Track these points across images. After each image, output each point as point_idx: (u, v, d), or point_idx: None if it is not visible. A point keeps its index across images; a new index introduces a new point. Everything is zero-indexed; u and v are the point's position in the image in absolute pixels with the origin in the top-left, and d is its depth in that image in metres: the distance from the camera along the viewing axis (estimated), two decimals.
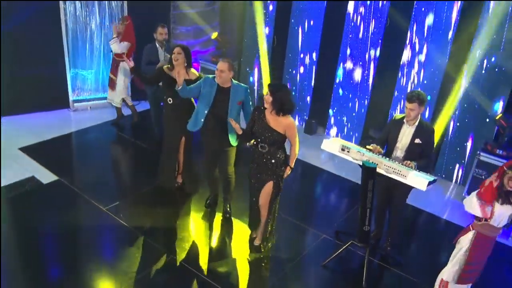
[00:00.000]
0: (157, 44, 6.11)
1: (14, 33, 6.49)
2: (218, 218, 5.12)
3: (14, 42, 6.54)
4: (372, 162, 3.99)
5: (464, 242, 3.77)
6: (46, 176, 5.55)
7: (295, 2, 7.15)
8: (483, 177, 5.70)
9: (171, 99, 4.99)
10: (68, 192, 5.32)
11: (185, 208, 5.30)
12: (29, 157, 5.95)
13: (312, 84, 7.35)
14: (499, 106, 5.80)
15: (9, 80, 6.65)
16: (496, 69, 5.69)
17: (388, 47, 6.49)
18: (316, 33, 7.05)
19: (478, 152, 5.74)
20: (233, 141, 4.64)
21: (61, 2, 6.78)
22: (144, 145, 6.63)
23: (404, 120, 4.33)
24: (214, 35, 7.85)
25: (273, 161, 4.11)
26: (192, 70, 5.00)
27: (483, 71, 5.79)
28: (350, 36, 6.71)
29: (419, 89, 4.94)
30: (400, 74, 6.45)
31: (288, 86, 4.13)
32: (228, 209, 5.11)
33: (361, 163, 4.04)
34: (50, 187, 5.38)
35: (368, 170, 3.97)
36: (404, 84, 6.46)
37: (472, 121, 6.03)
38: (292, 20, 7.27)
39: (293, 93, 7.47)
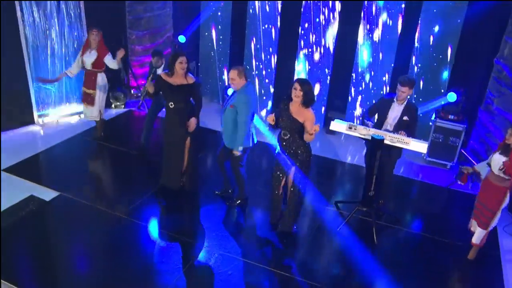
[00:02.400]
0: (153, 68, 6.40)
1: None
2: (232, 207, 5.47)
3: None
4: (379, 135, 4.64)
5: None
6: (44, 193, 5.46)
7: (251, 2, 7.62)
8: (440, 140, 6.68)
9: (172, 104, 5.20)
10: (77, 205, 5.31)
11: (197, 202, 5.59)
12: (18, 177, 5.77)
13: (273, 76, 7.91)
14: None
15: None
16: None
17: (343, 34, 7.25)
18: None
19: (434, 118, 6.69)
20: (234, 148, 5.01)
21: (19, 14, 6.53)
22: (125, 149, 6.71)
23: (395, 100, 5.05)
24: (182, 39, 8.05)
25: (294, 148, 4.57)
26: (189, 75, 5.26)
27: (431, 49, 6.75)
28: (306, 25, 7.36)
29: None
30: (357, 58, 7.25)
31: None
32: (237, 200, 5.51)
33: (369, 138, 4.67)
34: (56, 203, 5.33)
35: (377, 142, 4.62)
36: (360, 70, 7.28)
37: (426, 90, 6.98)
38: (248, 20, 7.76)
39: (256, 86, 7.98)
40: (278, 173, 4.73)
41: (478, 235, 4.64)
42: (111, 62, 6.35)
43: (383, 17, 6.90)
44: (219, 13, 8.02)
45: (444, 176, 6.55)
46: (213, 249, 4.72)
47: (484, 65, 6.61)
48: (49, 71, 7.18)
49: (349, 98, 7.52)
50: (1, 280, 4.07)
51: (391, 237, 5.20)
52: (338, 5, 7.07)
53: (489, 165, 4.48)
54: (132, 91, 8.37)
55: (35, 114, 7.20)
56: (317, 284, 4.34)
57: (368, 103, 7.30)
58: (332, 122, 4.90)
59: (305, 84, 4.35)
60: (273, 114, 4.50)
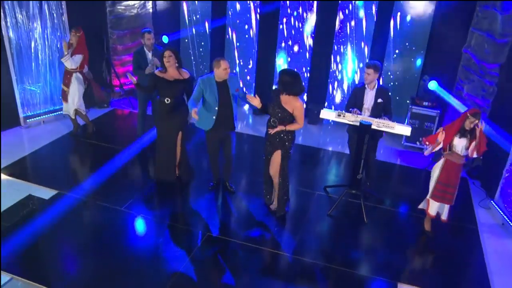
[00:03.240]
0: (145, 49, 6.36)
1: None
2: (224, 195, 5.72)
3: None
4: (367, 121, 4.99)
5: (437, 167, 4.96)
6: (41, 192, 5.54)
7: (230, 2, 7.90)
8: (416, 125, 7.13)
9: (168, 99, 5.40)
10: (76, 202, 5.42)
11: (193, 193, 5.80)
12: (12, 178, 5.82)
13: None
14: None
15: None
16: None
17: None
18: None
19: (410, 106, 7.14)
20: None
21: (2, 16, 6.53)
22: (113, 146, 6.86)
23: (366, 86, 5.43)
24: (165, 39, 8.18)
25: (282, 135, 4.87)
26: (183, 70, 5.47)
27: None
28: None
29: None
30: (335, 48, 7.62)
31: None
32: (231, 186, 5.74)
33: (357, 124, 5.01)
34: (55, 201, 5.42)
35: (365, 127, 4.97)
36: (339, 60, 7.65)
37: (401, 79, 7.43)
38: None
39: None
40: (268, 156, 5.02)
41: (446, 211, 5.06)
42: (69, 62, 6.56)
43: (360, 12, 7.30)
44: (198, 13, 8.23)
45: (421, 159, 7.00)
46: (214, 235, 4.94)
47: (453, 55, 7.08)
48: (33, 72, 7.19)
49: (328, 89, 7.88)
50: (18, 277, 4.18)
51: (378, 216, 5.56)
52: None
53: (445, 149, 4.86)
54: (114, 90, 8.45)
55: (21, 115, 7.20)
56: (315, 261, 4.65)
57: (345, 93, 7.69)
58: (322, 111, 5.23)
59: (285, 75, 4.67)
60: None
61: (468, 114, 4.66)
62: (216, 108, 5.14)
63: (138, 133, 6.92)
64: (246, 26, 7.97)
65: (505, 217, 5.50)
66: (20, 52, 6.96)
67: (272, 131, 4.85)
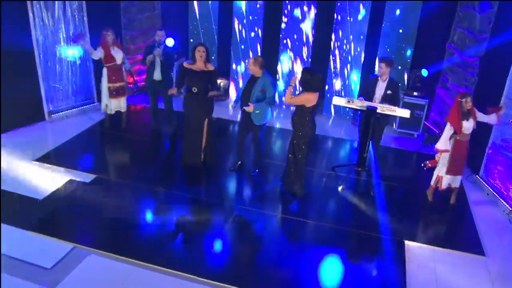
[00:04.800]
0: (156, 44, 7.05)
1: None
2: (247, 176, 6.45)
3: None
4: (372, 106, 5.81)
5: (447, 150, 5.71)
6: (81, 177, 6.13)
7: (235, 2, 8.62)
8: None
9: (195, 88, 6.08)
10: (116, 184, 6.05)
11: (218, 173, 6.48)
12: (51, 165, 6.38)
13: None
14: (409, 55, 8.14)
15: None
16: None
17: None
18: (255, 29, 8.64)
19: (402, 96, 7.99)
20: (255, 121, 5.97)
21: (31, 17, 7.06)
22: (136, 136, 7.56)
23: (378, 78, 6.24)
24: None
25: (300, 123, 5.59)
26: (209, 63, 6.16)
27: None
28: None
29: None
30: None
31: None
32: (253, 170, 6.45)
33: (364, 109, 5.81)
34: (95, 184, 6.01)
35: (371, 111, 5.78)
36: (338, 55, 8.48)
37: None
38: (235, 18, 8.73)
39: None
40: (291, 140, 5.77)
41: (459, 180, 5.91)
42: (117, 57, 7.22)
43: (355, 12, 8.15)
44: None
45: (412, 143, 7.88)
46: (243, 207, 5.67)
47: (438, 50, 7.98)
48: (56, 69, 7.74)
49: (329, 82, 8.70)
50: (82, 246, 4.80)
51: (382, 190, 6.37)
52: None
53: (454, 133, 5.69)
54: (128, 87, 9.02)
55: (46, 110, 7.73)
56: (330, 225, 5.44)
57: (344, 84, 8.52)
58: (333, 98, 6.01)
59: (302, 72, 5.45)
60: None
61: (460, 99, 5.49)
62: (240, 95, 5.90)
63: (153, 126, 7.57)
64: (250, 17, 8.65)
65: (489, 188, 6.39)
66: (46, 51, 7.49)
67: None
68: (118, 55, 7.15)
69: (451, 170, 5.75)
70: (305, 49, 8.59)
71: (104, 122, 7.76)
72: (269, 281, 4.50)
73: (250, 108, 5.70)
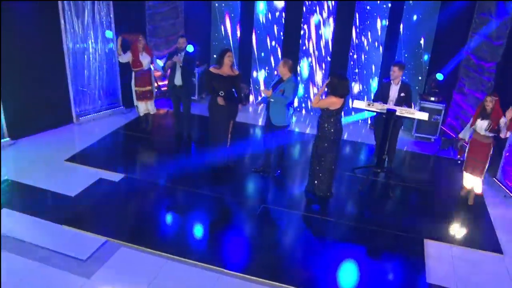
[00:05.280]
0: (177, 50, 7.35)
1: (20, 58, 6.91)
2: (270, 177, 6.66)
3: (19, 65, 6.92)
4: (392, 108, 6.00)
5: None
6: (111, 176, 6.40)
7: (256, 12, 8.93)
8: None
9: (222, 92, 6.33)
10: (144, 183, 6.30)
11: (241, 175, 6.74)
12: (81, 165, 6.67)
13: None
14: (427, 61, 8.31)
15: (16, 104, 7.04)
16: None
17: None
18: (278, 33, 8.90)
19: (419, 101, 8.16)
20: (274, 122, 6.21)
21: (62, 25, 7.41)
22: (161, 138, 7.92)
23: (391, 81, 6.43)
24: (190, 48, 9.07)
25: (325, 125, 5.79)
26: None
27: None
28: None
29: None
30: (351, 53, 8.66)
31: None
32: (276, 171, 6.67)
33: (384, 111, 6.00)
34: (125, 183, 6.27)
35: (391, 113, 5.96)
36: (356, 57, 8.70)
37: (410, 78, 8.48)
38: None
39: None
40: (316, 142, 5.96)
41: (478, 184, 6.05)
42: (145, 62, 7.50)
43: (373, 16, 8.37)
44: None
45: (429, 147, 8.03)
46: (268, 206, 5.88)
47: (455, 55, 8.13)
48: (84, 74, 8.07)
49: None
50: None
51: (401, 191, 6.54)
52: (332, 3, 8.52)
53: (474, 129, 5.88)
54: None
55: (74, 113, 8.05)
56: (351, 223, 5.63)
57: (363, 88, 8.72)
58: (354, 101, 6.21)
59: (331, 77, 5.67)
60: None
61: (486, 97, 5.66)
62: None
63: (176, 129, 7.87)
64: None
65: (506, 190, 6.51)
66: (75, 57, 7.83)
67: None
68: (146, 60, 7.43)
69: (466, 166, 5.96)
70: (324, 54, 8.82)
71: (130, 124, 8.07)
72: (294, 274, 4.69)
73: (268, 92, 5.94)
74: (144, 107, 7.79)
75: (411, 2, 8.02)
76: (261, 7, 8.97)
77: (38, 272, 4.49)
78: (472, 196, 6.15)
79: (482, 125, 5.74)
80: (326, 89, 5.67)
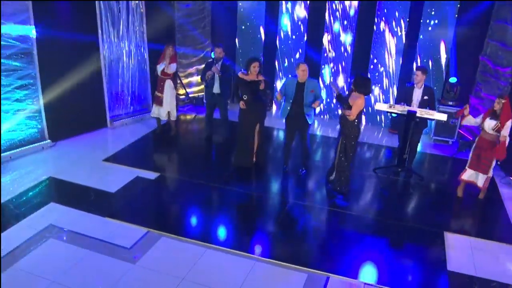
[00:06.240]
0: (214, 60, 7.75)
1: (60, 66, 7.45)
2: (296, 175, 7.04)
3: (60, 73, 7.45)
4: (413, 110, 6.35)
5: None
6: (146, 175, 6.84)
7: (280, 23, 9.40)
8: (443, 121, 8.42)
9: (245, 96, 6.76)
10: (177, 181, 6.75)
11: (268, 174, 7.12)
12: (119, 164, 7.13)
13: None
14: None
15: (56, 108, 7.52)
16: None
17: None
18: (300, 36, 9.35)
19: (437, 105, 8.48)
20: (309, 120, 6.63)
21: (100, 35, 7.95)
22: (192, 141, 8.42)
23: (415, 85, 6.78)
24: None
25: (350, 124, 6.16)
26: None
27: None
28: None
29: None
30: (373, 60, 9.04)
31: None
32: (301, 171, 7.04)
33: (405, 113, 6.36)
34: (160, 181, 6.71)
35: (411, 115, 6.31)
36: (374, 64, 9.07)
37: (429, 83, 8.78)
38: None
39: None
40: (341, 140, 6.32)
41: (483, 180, 6.33)
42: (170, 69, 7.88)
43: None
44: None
45: (447, 149, 8.34)
46: (294, 201, 6.26)
47: (471, 62, 8.46)
48: (119, 82, 8.59)
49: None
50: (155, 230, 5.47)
51: (420, 188, 6.86)
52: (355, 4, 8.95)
53: (481, 127, 6.17)
54: (180, 98, 9.83)
55: (108, 118, 8.55)
56: (374, 217, 5.96)
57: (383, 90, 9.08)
58: (376, 103, 6.58)
59: (356, 77, 6.06)
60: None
61: (497, 97, 5.98)
62: (291, 101, 6.51)
63: (206, 133, 8.27)
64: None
65: None
66: (110, 64, 8.36)
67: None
68: (172, 68, 7.89)
69: (470, 163, 6.27)
70: (344, 61, 9.23)
71: (157, 129, 8.52)
72: (323, 261, 5.04)
73: (316, 104, 6.51)
74: (156, 111, 8.14)
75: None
76: (285, 21, 9.45)
77: (88, 258, 4.90)
78: (483, 192, 6.43)
79: (490, 124, 6.05)
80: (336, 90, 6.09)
